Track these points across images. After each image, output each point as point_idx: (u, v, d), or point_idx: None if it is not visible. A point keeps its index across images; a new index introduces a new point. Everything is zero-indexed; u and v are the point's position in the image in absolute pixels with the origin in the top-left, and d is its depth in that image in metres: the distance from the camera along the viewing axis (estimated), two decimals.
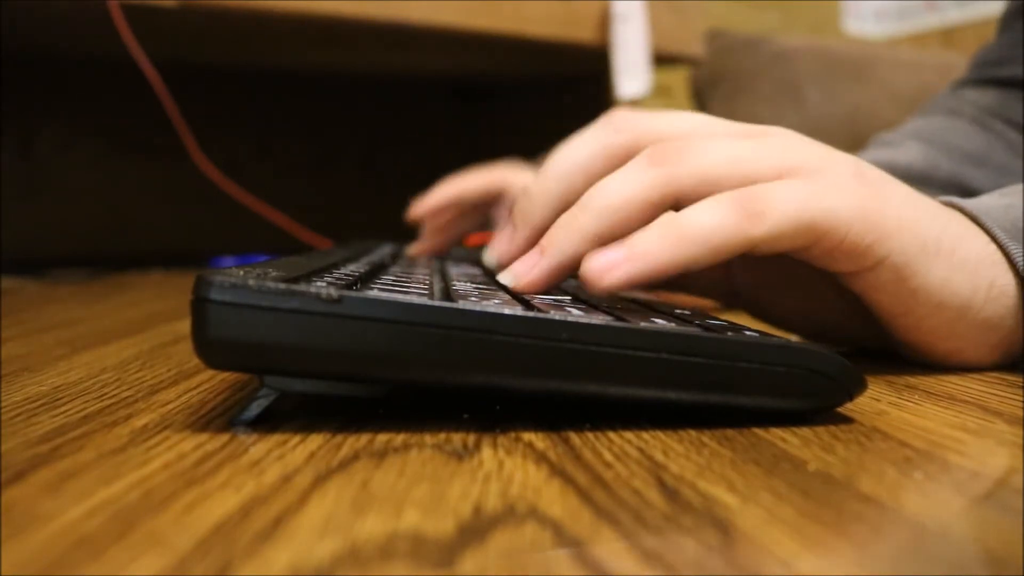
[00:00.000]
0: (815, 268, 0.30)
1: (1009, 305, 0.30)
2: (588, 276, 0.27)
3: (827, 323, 0.35)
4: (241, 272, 0.21)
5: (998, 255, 0.30)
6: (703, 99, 1.25)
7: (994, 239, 0.30)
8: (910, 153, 0.51)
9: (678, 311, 0.28)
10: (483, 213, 0.63)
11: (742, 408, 0.22)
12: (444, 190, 0.61)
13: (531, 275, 0.29)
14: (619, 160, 0.30)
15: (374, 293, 0.21)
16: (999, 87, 0.55)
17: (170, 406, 0.24)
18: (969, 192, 0.33)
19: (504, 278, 0.29)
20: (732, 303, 0.39)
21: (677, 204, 0.28)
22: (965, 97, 0.56)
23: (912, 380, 0.28)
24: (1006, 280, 0.30)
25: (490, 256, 0.33)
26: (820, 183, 0.28)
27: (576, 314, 0.22)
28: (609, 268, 0.27)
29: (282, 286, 0.20)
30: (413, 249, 0.58)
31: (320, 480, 0.17)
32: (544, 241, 0.29)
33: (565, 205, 0.30)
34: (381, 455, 0.19)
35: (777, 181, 0.28)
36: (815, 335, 0.36)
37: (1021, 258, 0.29)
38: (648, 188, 0.28)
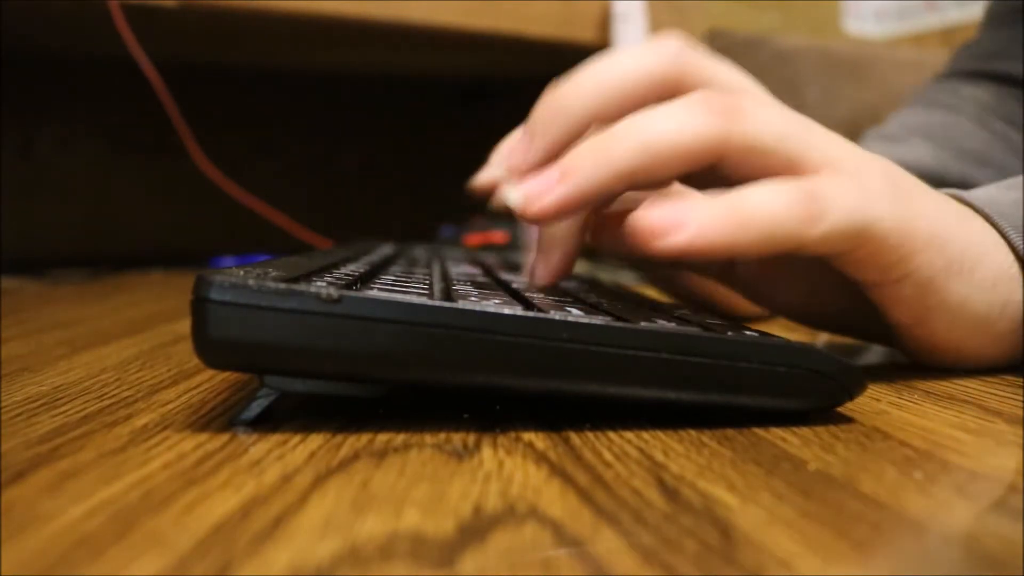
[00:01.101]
0: (820, 259, 0.30)
1: (1018, 319, 0.29)
2: (639, 230, 0.24)
3: (828, 314, 0.34)
4: (241, 272, 0.21)
5: (1013, 268, 0.29)
6: None
7: (1010, 244, 0.29)
8: (918, 152, 0.50)
9: (678, 311, 0.28)
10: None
11: (742, 408, 0.22)
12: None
13: (544, 201, 0.25)
14: (668, 93, 0.27)
15: (374, 293, 0.21)
16: (995, 82, 0.54)
17: (170, 406, 0.24)
18: None
19: (513, 196, 0.26)
20: (731, 286, 0.37)
21: (717, 163, 0.26)
22: (962, 93, 0.55)
23: (912, 380, 0.28)
24: (1019, 297, 0.29)
25: (498, 166, 0.29)
26: (867, 187, 0.26)
27: (576, 314, 0.22)
28: (665, 231, 0.24)
29: (282, 286, 0.20)
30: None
31: (320, 480, 0.17)
32: (566, 163, 0.25)
33: (593, 122, 0.27)
34: (381, 455, 0.19)
35: (827, 177, 0.26)
36: (815, 324, 0.35)
37: None
38: (700, 138, 0.25)
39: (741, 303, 0.38)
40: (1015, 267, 0.29)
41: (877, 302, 0.29)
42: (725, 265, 0.36)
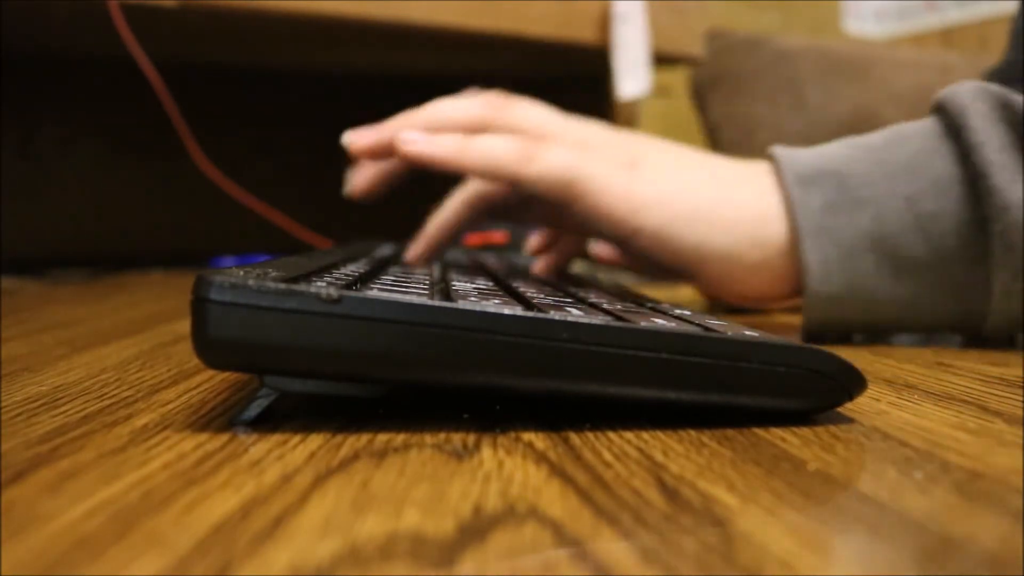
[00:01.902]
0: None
1: (778, 247, 0.37)
2: (395, 138, 0.38)
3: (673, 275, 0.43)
4: (241, 272, 0.21)
5: (775, 208, 0.36)
6: (703, 99, 1.25)
7: (784, 185, 0.36)
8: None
9: (678, 311, 0.28)
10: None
11: (742, 408, 0.22)
12: (434, 233, 0.49)
13: (363, 138, 0.40)
14: (480, 129, 0.40)
15: (374, 293, 0.21)
16: None
17: (170, 406, 0.24)
18: None
19: (404, 137, 0.39)
20: (658, 276, 0.49)
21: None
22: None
23: (912, 380, 0.28)
24: (776, 228, 0.36)
25: (368, 137, 0.41)
26: (592, 156, 0.37)
27: (576, 314, 0.22)
28: (412, 140, 0.38)
29: (282, 286, 0.20)
30: (411, 254, 0.56)
31: (320, 480, 0.17)
32: (438, 137, 0.38)
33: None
34: (381, 455, 0.19)
35: (554, 142, 0.37)
36: (655, 275, 0.47)
37: (800, 204, 0.36)
38: (470, 113, 0.39)
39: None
40: (775, 207, 0.37)
41: (641, 255, 0.40)
42: (642, 260, 0.44)
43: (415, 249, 0.46)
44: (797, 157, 0.37)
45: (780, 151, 0.38)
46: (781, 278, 0.37)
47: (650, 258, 0.40)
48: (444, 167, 0.37)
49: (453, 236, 0.45)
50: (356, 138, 0.40)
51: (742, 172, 0.39)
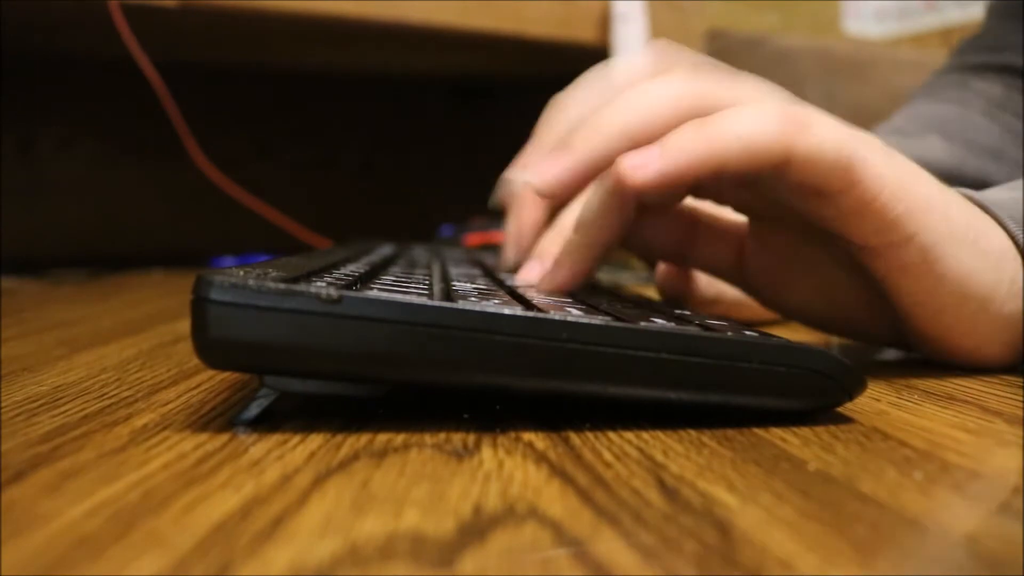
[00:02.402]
0: (831, 254, 0.29)
1: (1019, 305, 0.29)
2: (621, 172, 0.26)
3: (839, 315, 0.34)
4: (241, 272, 0.21)
5: (1014, 251, 0.29)
6: None
7: (1009, 233, 0.29)
8: (934, 149, 0.50)
9: (678, 311, 0.28)
10: None
11: (742, 408, 0.22)
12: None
13: (648, 170, 0.27)
14: (693, 116, 0.28)
15: (374, 293, 0.21)
16: (1002, 75, 0.54)
17: (170, 406, 0.24)
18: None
19: (524, 177, 0.29)
20: (742, 288, 0.37)
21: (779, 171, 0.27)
22: (971, 86, 0.54)
23: (912, 380, 0.28)
24: (1019, 278, 0.29)
25: (526, 178, 0.30)
26: (858, 136, 0.27)
27: (576, 314, 0.22)
28: (643, 164, 0.26)
29: (282, 286, 0.20)
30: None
31: (320, 480, 0.17)
32: (668, 141, 0.27)
33: (629, 146, 0.28)
34: (381, 455, 0.19)
35: (813, 113, 0.27)
36: (822, 326, 0.35)
37: None
38: (682, 94, 0.28)
39: (752, 309, 0.38)
40: (1013, 251, 0.29)
41: (883, 276, 0.29)
42: (734, 264, 0.35)
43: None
44: (1002, 202, 0.30)
45: (971, 192, 0.31)
46: (1017, 338, 0.30)
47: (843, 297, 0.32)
48: (697, 175, 0.26)
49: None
50: (542, 173, 0.29)
51: (957, 192, 0.30)
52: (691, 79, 0.30)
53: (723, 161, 0.26)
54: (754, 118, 0.27)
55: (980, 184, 0.34)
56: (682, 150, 0.26)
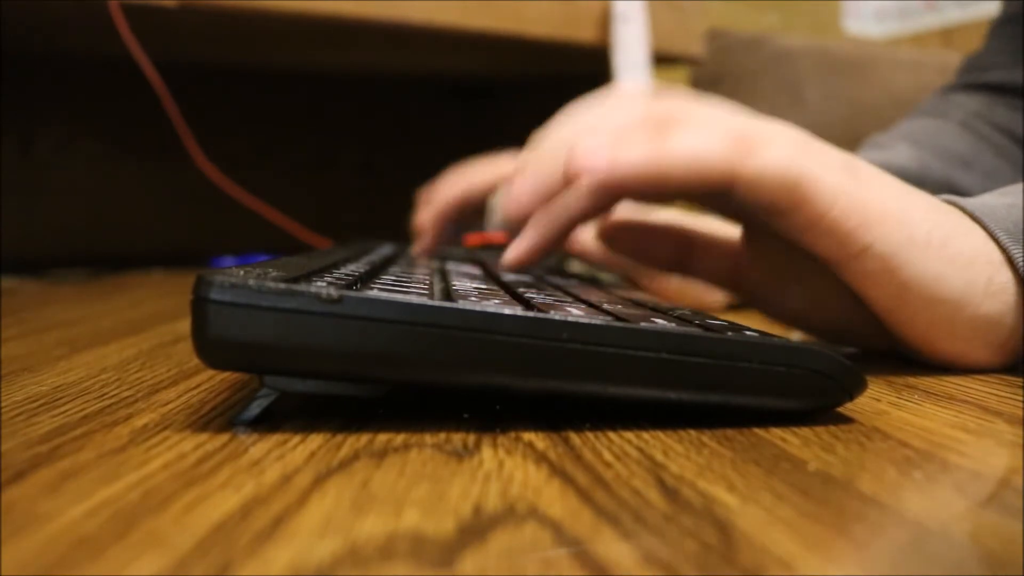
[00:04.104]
0: (820, 264, 0.30)
1: (1009, 302, 0.29)
2: (573, 158, 0.29)
3: (833, 322, 0.34)
4: (241, 272, 0.21)
5: (996, 254, 0.29)
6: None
7: (993, 238, 0.30)
8: (902, 156, 0.51)
9: (678, 311, 0.28)
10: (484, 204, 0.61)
11: (742, 408, 0.22)
12: (448, 191, 0.57)
13: (521, 192, 0.32)
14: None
15: (374, 293, 0.21)
16: (987, 92, 0.55)
17: (170, 406, 0.24)
18: (959, 194, 0.32)
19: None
20: (739, 298, 0.38)
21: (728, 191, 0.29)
22: (953, 101, 0.56)
23: (912, 380, 0.28)
24: (1005, 278, 0.29)
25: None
26: (811, 154, 0.29)
27: (576, 314, 0.22)
28: (593, 152, 0.28)
29: (282, 286, 0.20)
30: (416, 248, 0.55)
31: (320, 480, 0.17)
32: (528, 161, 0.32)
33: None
34: (381, 455, 0.19)
35: (767, 132, 0.29)
36: (822, 334, 0.35)
37: (1022, 259, 0.29)
38: (647, 114, 0.30)
39: (696, 292, 0.41)
40: (996, 253, 0.29)
41: (853, 286, 0.30)
42: (727, 274, 0.36)
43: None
44: (991, 208, 0.31)
45: (959, 199, 0.31)
46: (1005, 340, 0.30)
47: (819, 298, 0.33)
48: (639, 183, 0.28)
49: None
50: (515, 197, 0.32)
51: (942, 205, 0.31)
52: (656, 102, 0.31)
53: (666, 174, 0.28)
54: (702, 138, 0.28)
55: (944, 189, 0.35)
56: (627, 159, 0.28)
